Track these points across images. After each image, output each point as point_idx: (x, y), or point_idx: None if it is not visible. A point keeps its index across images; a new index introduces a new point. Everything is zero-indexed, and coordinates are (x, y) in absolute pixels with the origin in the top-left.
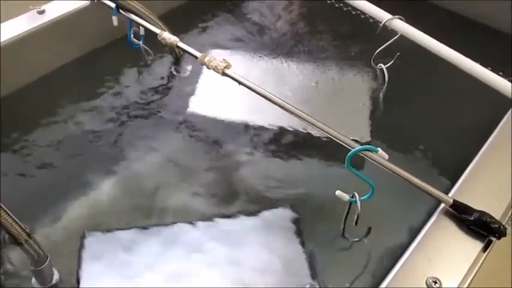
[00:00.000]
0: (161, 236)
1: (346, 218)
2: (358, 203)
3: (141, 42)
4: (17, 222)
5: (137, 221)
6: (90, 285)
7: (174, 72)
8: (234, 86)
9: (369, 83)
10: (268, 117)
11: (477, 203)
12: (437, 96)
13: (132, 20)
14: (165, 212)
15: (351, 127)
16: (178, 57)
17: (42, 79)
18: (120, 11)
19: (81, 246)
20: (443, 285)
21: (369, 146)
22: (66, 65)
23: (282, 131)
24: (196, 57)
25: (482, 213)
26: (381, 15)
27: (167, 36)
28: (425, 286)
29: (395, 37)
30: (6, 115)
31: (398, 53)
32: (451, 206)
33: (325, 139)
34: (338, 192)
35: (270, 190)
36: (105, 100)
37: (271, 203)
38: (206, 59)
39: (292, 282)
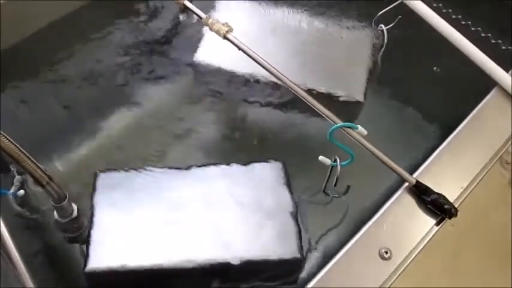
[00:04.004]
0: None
1: (328, 179)
2: (338, 167)
3: None
4: (38, 167)
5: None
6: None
7: (182, 18)
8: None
9: (370, 43)
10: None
11: (438, 185)
12: (435, 63)
13: None
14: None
15: (347, 84)
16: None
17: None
18: None
19: (94, 184)
20: (393, 256)
21: (350, 123)
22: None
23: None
24: (200, 18)
25: (439, 195)
26: None
27: None
28: (377, 255)
29: (397, 2)
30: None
31: (400, 16)
32: (413, 186)
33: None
34: (321, 158)
35: (263, 142)
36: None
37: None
38: (209, 21)
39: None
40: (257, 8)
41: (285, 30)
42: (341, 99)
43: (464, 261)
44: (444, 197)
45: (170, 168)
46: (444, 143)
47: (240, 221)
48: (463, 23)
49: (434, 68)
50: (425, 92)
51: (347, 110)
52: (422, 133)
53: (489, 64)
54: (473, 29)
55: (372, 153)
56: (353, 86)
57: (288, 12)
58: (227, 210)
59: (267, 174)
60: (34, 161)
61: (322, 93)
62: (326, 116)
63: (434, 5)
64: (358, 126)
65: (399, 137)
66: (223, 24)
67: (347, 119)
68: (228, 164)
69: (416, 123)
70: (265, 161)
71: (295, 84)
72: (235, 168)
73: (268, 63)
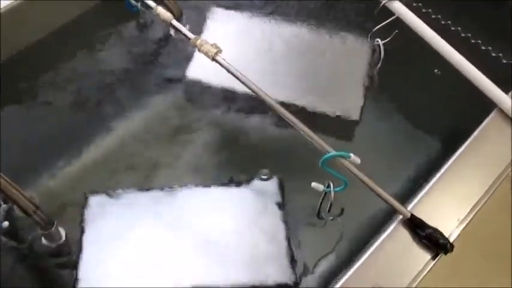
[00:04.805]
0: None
1: (321, 203)
2: (332, 193)
3: (139, 5)
4: (24, 196)
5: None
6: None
7: (172, 34)
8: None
9: (366, 58)
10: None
11: (434, 217)
12: (433, 79)
13: None
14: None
15: (342, 102)
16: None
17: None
18: None
19: (84, 209)
20: None
21: (343, 152)
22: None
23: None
24: (188, 39)
25: (434, 230)
26: None
27: (161, 11)
28: None
29: (392, 18)
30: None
31: (396, 31)
32: (408, 219)
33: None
34: (313, 184)
35: (257, 159)
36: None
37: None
38: (198, 42)
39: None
40: (250, 20)
41: (278, 45)
42: (336, 116)
43: (464, 261)
44: (440, 232)
45: (162, 189)
46: (440, 172)
47: (231, 244)
48: (462, 35)
49: (436, 70)
50: (423, 109)
51: (342, 128)
52: (420, 154)
53: (489, 86)
54: (473, 41)
55: (366, 184)
56: (349, 104)
57: (282, 26)
58: (219, 233)
59: (260, 194)
60: (20, 189)
61: (317, 111)
62: (317, 144)
63: (433, 16)
64: (351, 154)
65: (395, 158)
66: (211, 45)
67: (342, 137)
68: (220, 184)
69: (413, 143)
70: (259, 179)
71: (288, 103)
72: (227, 188)
73: (257, 87)
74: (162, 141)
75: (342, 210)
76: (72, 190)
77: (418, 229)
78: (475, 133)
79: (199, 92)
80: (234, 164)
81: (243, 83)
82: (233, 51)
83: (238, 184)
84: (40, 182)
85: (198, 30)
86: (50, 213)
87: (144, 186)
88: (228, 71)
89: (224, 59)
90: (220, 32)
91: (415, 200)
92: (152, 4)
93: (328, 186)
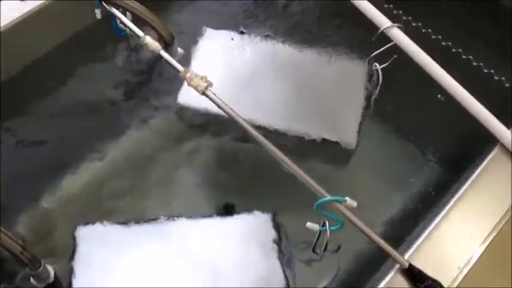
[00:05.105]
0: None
1: (316, 241)
2: (328, 233)
3: (127, 29)
4: (10, 237)
5: None
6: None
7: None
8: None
9: (363, 84)
10: (260, 117)
11: (433, 266)
12: (433, 105)
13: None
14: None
15: (339, 127)
16: (168, 43)
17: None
18: (103, 3)
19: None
20: None
21: (338, 197)
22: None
23: (268, 131)
24: (178, 71)
25: (434, 281)
26: (380, 21)
27: (149, 41)
28: None
29: (390, 44)
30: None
31: (395, 56)
32: (406, 269)
33: (311, 141)
34: (308, 224)
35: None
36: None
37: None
38: (187, 75)
39: None
40: (245, 42)
41: (273, 68)
42: (333, 142)
43: None
44: (440, 284)
45: (153, 220)
46: (440, 215)
47: (224, 278)
48: (463, 57)
49: (439, 96)
50: (423, 136)
51: (338, 154)
52: (418, 183)
53: (490, 120)
54: (474, 63)
55: (361, 230)
56: (345, 131)
57: (277, 49)
58: (212, 266)
59: (254, 227)
60: (4, 231)
61: (313, 137)
62: (312, 187)
63: (434, 37)
64: (347, 198)
65: (392, 186)
66: (201, 79)
67: (338, 164)
68: (213, 215)
69: (411, 171)
70: (252, 212)
71: (283, 130)
72: (221, 221)
73: (247, 124)
74: (153, 168)
75: (339, 247)
76: (61, 220)
77: (417, 281)
78: (477, 171)
79: (190, 117)
80: (227, 192)
81: (233, 118)
82: (225, 73)
83: (232, 216)
84: (28, 212)
85: (189, 50)
86: (39, 244)
87: (135, 215)
88: (218, 106)
89: (214, 94)
90: (212, 53)
91: (414, 247)
92: (140, 33)
93: (324, 225)
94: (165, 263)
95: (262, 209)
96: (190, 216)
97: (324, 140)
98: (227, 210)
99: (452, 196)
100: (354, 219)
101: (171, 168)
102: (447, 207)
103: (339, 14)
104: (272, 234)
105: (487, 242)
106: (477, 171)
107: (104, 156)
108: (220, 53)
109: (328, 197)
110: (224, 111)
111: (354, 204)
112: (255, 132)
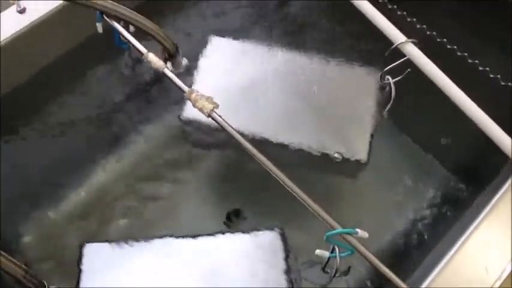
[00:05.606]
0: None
1: (325, 265)
2: (338, 259)
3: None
4: (12, 261)
5: None
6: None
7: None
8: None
9: (375, 98)
10: (267, 130)
11: None
12: (445, 121)
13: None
14: None
15: (349, 143)
16: (172, 54)
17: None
18: (105, 17)
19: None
20: None
21: (349, 229)
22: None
23: (275, 145)
24: (183, 91)
25: None
26: (395, 36)
27: (153, 59)
28: None
29: (404, 59)
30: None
31: (409, 69)
32: None
33: (318, 154)
34: (318, 251)
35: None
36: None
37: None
38: (192, 96)
39: None
40: (251, 50)
41: (282, 79)
42: (343, 157)
43: None
44: None
45: (160, 237)
46: (455, 247)
47: None
48: (480, 69)
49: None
50: (435, 151)
51: (348, 169)
52: (430, 202)
53: (505, 141)
54: (491, 76)
55: (371, 263)
56: (356, 145)
57: (286, 58)
58: (220, 284)
59: (262, 245)
60: (7, 256)
61: (323, 152)
62: (323, 218)
63: (449, 46)
64: (358, 230)
65: (403, 204)
66: (207, 100)
67: (347, 179)
68: (217, 232)
69: (423, 188)
70: (260, 229)
71: (292, 145)
72: (227, 238)
73: (252, 146)
74: (158, 183)
75: (349, 268)
76: (66, 236)
77: None
78: (496, 197)
79: (195, 131)
80: (233, 207)
81: (238, 141)
82: (232, 83)
83: (240, 233)
84: (33, 228)
85: (195, 59)
86: (44, 261)
87: (141, 233)
88: (223, 128)
89: (220, 116)
90: (218, 62)
91: (427, 281)
92: (143, 50)
93: (333, 251)
94: (172, 281)
95: (270, 224)
96: (197, 233)
97: (334, 153)
98: (235, 216)
99: (468, 225)
100: (364, 251)
101: (177, 184)
102: (458, 243)
103: (350, 25)
104: (280, 251)
105: (505, 275)
106: (495, 198)
107: (108, 172)
108: (227, 62)
109: (339, 229)
110: (229, 133)
111: (366, 235)
112: (262, 157)
